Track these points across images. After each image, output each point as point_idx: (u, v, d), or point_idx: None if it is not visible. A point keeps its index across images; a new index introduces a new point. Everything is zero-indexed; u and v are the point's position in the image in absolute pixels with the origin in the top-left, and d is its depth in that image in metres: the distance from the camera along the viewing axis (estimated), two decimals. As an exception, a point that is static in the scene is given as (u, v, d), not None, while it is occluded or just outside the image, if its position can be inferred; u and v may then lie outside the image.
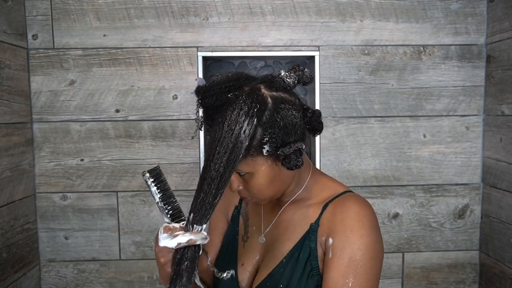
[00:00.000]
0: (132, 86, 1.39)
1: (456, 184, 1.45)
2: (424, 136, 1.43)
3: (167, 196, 0.80)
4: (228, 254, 0.90)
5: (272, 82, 0.74)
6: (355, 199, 0.78)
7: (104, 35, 1.37)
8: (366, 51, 1.40)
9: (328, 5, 1.38)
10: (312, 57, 1.41)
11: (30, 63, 1.37)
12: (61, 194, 1.40)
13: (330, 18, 1.39)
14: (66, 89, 1.38)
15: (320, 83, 1.40)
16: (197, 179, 1.41)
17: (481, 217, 1.45)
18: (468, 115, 1.43)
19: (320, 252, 0.77)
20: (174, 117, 1.40)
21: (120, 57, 1.38)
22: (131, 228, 1.42)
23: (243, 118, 0.70)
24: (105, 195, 1.41)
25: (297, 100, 0.76)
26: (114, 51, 1.37)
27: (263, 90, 0.73)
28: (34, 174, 1.39)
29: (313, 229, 0.78)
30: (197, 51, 1.38)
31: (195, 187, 1.41)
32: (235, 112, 0.70)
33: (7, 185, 1.24)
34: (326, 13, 1.39)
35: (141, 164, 1.40)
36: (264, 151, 0.71)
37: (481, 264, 1.46)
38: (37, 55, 1.37)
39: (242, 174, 0.76)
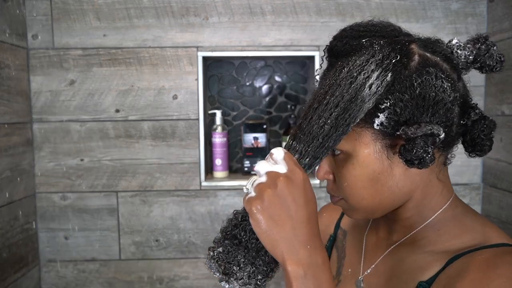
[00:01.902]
0: (132, 86, 1.39)
1: (456, 184, 1.45)
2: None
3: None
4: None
5: (434, 44, 0.54)
6: None
7: (104, 35, 1.37)
8: (366, 51, 1.40)
9: (328, 5, 1.39)
10: (312, 57, 1.41)
11: (30, 63, 1.37)
12: (61, 194, 1.40)
13: (330, 18, 1.39)
14: (66, 89, 1.38)
15: (320, 83, 1.40)
16: (197, 179, 1.41)
17: (481, 217, 1.45)
18: (468, 115, 1.43)
19: None
20: (174, 117, 1.40)
21: (120, 57, 1.38)
22: (131, 228, 1.42)
23: (372, 67, 0.49)
24: (105, 195, 1.41)
25: (459, 83, 0.53)
26: (114, 51, 1.37)
27: (413, 46, 0.52)
28: (34, 174, 1.39)
29: None
30: (197, 51, 1.38)
31: (195, 187, 1.41)
32: (363, 58, 0.50)
33: (7, 185, 1.24)
34: (326, 13, 1.39)
35: (141, 164, 1.40)
36: (377, 122, 0.49)
37: (481, 264, 1.46)
38: (37, 55, 1.37)
39: (337, 153, 0.54)
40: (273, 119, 1.55)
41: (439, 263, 0.51)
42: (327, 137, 0.50)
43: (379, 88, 0.49)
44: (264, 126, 1.43)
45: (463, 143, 0.57)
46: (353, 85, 0.49)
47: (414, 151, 0.47)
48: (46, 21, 1.36)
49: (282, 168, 0.48)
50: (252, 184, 0.49)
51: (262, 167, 0.49)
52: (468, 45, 0.54)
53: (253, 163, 1.44)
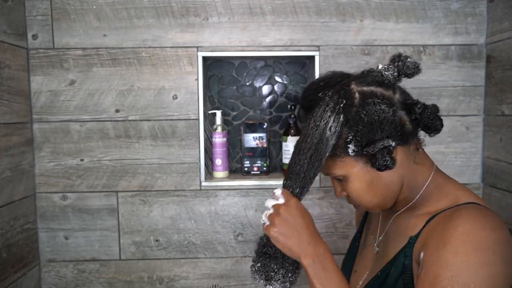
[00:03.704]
0: (132, 86, 1.39)
1: (456, 184, 1.45)
2: (424, 136, 1.43)
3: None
4: (347, 259, 0.88)
5: (366, 76, 0.70)
6: (471, 212, 0.64)
7: (104, 35, 1.37)
8: (366, 51, 1.40)
9: (328, 5, 1.39)
10: (312, 57, 1.41)
11: (30, 63, 1.37)
12: (61, 194, 1.40)
13: (330, 18, 1.39)
14: (66, 89, 1.38)
15: (320, 83, 1.40)
16: (197, 179, 1.41)
17: (481, 217, 1.45)
18: (468, 115, 1.43)
19: (415, 269, 0.67)
20: (174, 117, 1.40)
21: (120, 57, 1.38)
22: (131, 228, 1.42)
23: (328, 114, 0.66)
24: (105, 195, 1.41)
25: (396, 95, 0.69)
26: (114, 51, 1.37)
27: (353, 86, 0.68)
28: (34, 174, 1.39)
29: (411, 243, 0.69)
30: (197, 51, 1.38)
31: (195, 187, 1.41)
32: (321, 109, 0.67)
33: (7, 185, 1.24)
34: (326, 13, 1.39)
35: (141, 164, 1.40)
36: (350, 150, 0.67)
37: (481, 264, 1.46)
38: (37, 55, 1.37)
39: (340, 178, 0.72)
40: (273, 119, 1.55)
41: (422, 222, 0.69)
42: (307, 171, 0.69)
43: (336, 128, 0.66)
44: (265, 126, 1.43)
45: (422, 130, 0.73)
46: (317, 131, 0.67)
47: (377, 162, 0.65)
48: (46, 21, 1.36)
49: (281, 201, 0.71)
50: (265, 216, 0.72)
51: (269, 203, 0.72)
52: (390, 66, 0.70)
53: (253, 163, 1.44)
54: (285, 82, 1.54)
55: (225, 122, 1.49)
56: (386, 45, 1.40)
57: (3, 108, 1.22)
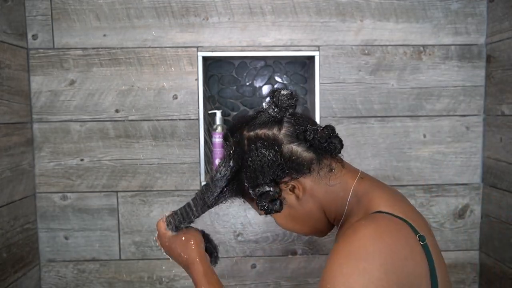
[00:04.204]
0: (132, 86, 1.39)
1: (456, 184, 1.45)
2: (424, 136, 1.43)
3: None
4: None
5: (254, 119, 0.72)
6: (364, 222, 0.62)
7: (104, 35, 1.37)
8: (366, 51, 1.40)
9: (328, 5, 1.38)
10: (312, 57, 1.41)
11: (30, 63, 1.37)
12: (61, 194, 1.40)
13: (330, 18, 1.39)
14: (66, 89, 1.38)
15: (320, 83, 1.40)
16: (197, 179, 1.41)
17: (481, 217, 1.45)
18: (468, 115, 1.43)
19: None
20: (174, 117, 1.40)
21: (120, 57, 1.38)
22: (131, 228, 1.42)
23: (222, 161, 0.72)
24: (105, 195, 1.41)
25: (282, 131, 0.69)
26: (114, 51, 1.37)
27: (245, 132, 0.71)
28: (34, 174, 1.39)
29: None
30: (197, 51, 1.38)
31: (195, 187, 1.41)
32: (221, 157, 0.73)
33: (7, 185, 1.24)
34: (326, 13, 1.39)
35: (141, 164, 1.40)
36: (252, 193, 0.70)
37: (481, 264, 1.46)
38: (37, 55, 1.37)
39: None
40: (273, 119, 1.54)
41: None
42: (191, 208, 0.79)
43: (226, 172, 0.70)
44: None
45: (324, 152, 0.71)
46: (211, 174, 0.74)
47: (259, 206, 0.68)
48: (46, 21, 1.36)
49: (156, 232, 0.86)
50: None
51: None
52: (269, 103, 0.70)
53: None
54: (285, 82, 1.54)
55: (225, 122, 1.49)
56: (386, 45, 1.40)
57: (3, 108, 1.22)
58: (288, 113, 0.70)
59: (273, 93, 0.70)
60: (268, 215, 0.72)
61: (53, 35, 1.37)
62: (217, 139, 1.41)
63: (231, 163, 0.70)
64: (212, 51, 1.38)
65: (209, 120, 1.50)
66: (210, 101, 1.53)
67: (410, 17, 1.39)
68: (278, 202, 0.68)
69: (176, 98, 1.39)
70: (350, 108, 1.41)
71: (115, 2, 1.36)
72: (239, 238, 1.45)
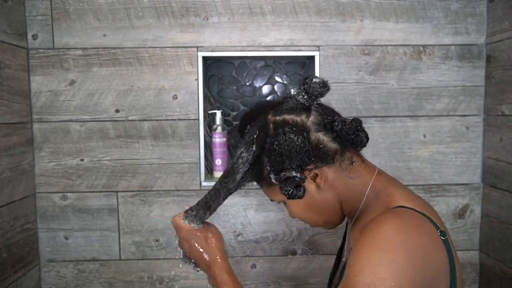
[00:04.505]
0: (132, 86, 1.39)
1: (456, 184, 1.45)
2: (424, 136, 1.43)
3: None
4: (331, 274, 0.88)
5: (282, 104, 0.71)
6: (389, 215, 0.64)
7: (104, 35, 1.37)
8: (366, 51, 1.40)
9: (328, 5, 1.39)
10: (312, 57, 1.41)
11: (30, 63, 1.37)
12: (61, 194, 1.40)
13: (330, 18, 1.39)
14: (66, 89, 1.38)
15: (320, 83, 1.40)
16: (197, 179, 1.41)
17: (481, 217, 1.45)
18: (468, 115, 1.43)
19: None
20: (174, 117, 1.40)
21: (120, 57, 1.38)
22: (131, 228, 1.42)
23: (244, 144, 0.70)
24: (105, 195, 1.41)
25: (310, 118, 0.70)
26: (114, 51, 1.37)
27: (270, 116, 0.71)
28: (34, 174, 1.39)
29: (350, 255, 0.68)
30: (197, 51, 1.38)
31: (195, 187, 1.41)
32: (242, 141, 0.71)
33: (7, 185, 1.24)
34: (326, 13, 1.39)
35: (141, 164, 1.40)
36: (273, 179, 0.69)
37: (481, 264, 1.46)
38: (37, 55, 1.37)
39: (284, 203, 0.75)
40: (273, 119, 1.54)
41: (359, 233, 0.66)
42: (212, 196, 0.78)
43: (249, 157, 0.69)
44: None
45: (349, 145, 0.71)
46: (233, 159, 0.72)
47: (283, 191, 0.68)
48: (46, 21, 1.36)
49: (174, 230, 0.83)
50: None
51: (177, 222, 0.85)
52: (299, 90, 0.70)
53: (253, 163, 1.44)
54: (285, 82, 1.54)
55: (225, 122, 1.49)
56: (386, 45, 1.40)
57: (3, 108, 1.22)
58: (316, 102, 0.71)
59: (304, 80, 0.69)
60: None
61: (53, 35, 1.37)
62: (217, 139, 1.41)
63: (253, 148, 0.69)
64: (212, 51, 1.38)
65: (209, 120, 1.50)
66: (210, 101, 1.53)
67: (410, 17, 1.39)
68: (302, 189, 0.68)
69: (176, 98, 1.39)
70: (350, 108, 1.41)
71: (115, 2, 1.36)
72: (239, 238, 1.45)
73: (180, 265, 0.83)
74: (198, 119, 1.40)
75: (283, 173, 0.67)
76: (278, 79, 1.54)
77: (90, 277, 1.43)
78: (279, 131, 0.68)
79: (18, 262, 1.29)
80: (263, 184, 0.75)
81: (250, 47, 1.39)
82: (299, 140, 0.67)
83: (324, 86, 0.69)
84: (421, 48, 1.41)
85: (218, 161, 1.42)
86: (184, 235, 0.79)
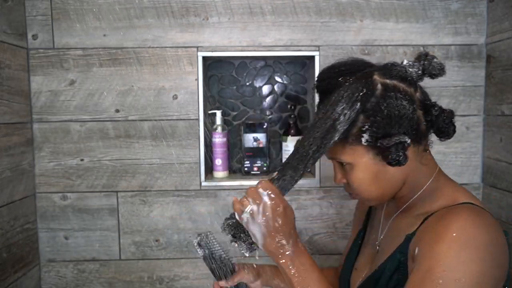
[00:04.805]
0: (132, 86, 1.39)
1: (456, 184, 1.45)
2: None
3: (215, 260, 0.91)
4: (348, 257, 0.89)
5: (390, 69, 0.70)
6: (466, 211, 0.65)
7: (104, 35, 1.37)
8: (366, 51, 1.40)
9: (328, 5, 1.39)
10: (312, 57, 1.41)
11: (30, 63, 1.37)
12: (61, 194, 1.40)
13: (330, 18, 1.39)
14: (66, 89, 1.38)
15: (320, 83, 1.40)
16: (197, 179, 1.41)
17: (481, 217, 1.45)
18: (468, 115, 1.43)
19: (411, 265, 0.67)
20: (174, 117, 1.40)
21: (120, 57, 1.38)
22: (131, 228, 1.42)
23: (346, 101, 0.66)
24: (105, 195, 1.41)
25: (417, 94, 0.70)
26: (114, 51, 1.37)
27: (376, 76, 0.69)
28: (34, 174, 1.39)
29: (407, 241, 0.69)
30: (197, 51, 1.38)
31: (195, 187, 1.41)
32: (340, 94, 0.67)
33: (7, 185, 1.24)
34: (326, 13, 1.39)
35: (141, 164, 1.40)
36: (363, 140, 0.67)
37: (481, 264, 1.46)
38: (37, 55, 1.37)
39: (344, 164, 0.72)
40: (273, 119, 1.54)
41: (419, 221, 0.69)
42: (308, 155, 0.68)
43: (351, 115, 0.66)
44: (265, 126, 1.43)
45: (434, 132, 0.73)
46: (332, 115, 0.66)
47: (390, 156, 0.65)
48: (46, 21, 1.36)
49: (265, 198, 0.68)
50: (247, 212, 0.71)
51: (252, 195, 0.72)
52: (415, 63, 0.70)
53: (253, 163, 1.44)
54: (285, 82, 1.54)
55: (225, 122, 1.49)
56: (386, 45, 1.40)
57: (3, 108, 1.22)
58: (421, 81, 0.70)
59: (425, 55, 0.69)
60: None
61: (53, 35, 1.36)
62: (217, 139, 1.41)
63: (357, 106, 0.66)
64: (212, 51, 1.38)
65: (210, 120, 1.50)
66: (210, 101, 1.53)
67: (410, 17, 1.39)
68: (405, 155, 0.66)
69: (176, 98, 1.39)
70: (350, 108, 1.41)
71: (115, 2, 1.36)
72: (239, 238, 1.45)
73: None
74: (198, 119, 1.40)
75: (396, 138, 0.65)
76: (278, 79, 1.54)
77: (90, 277, 1.43)
78: (391, 94, 0.67)
79: (18, 262, 1.29)
80: (341, 142, 0.69)
81: (250, 47, 1.39)
82: (410, 109, 0.67)
83: (442, 69, 0.70)
84: (421, 48, 1.41)
85: (218, 161, 1.42)
86: (281, 202, 0.67)
